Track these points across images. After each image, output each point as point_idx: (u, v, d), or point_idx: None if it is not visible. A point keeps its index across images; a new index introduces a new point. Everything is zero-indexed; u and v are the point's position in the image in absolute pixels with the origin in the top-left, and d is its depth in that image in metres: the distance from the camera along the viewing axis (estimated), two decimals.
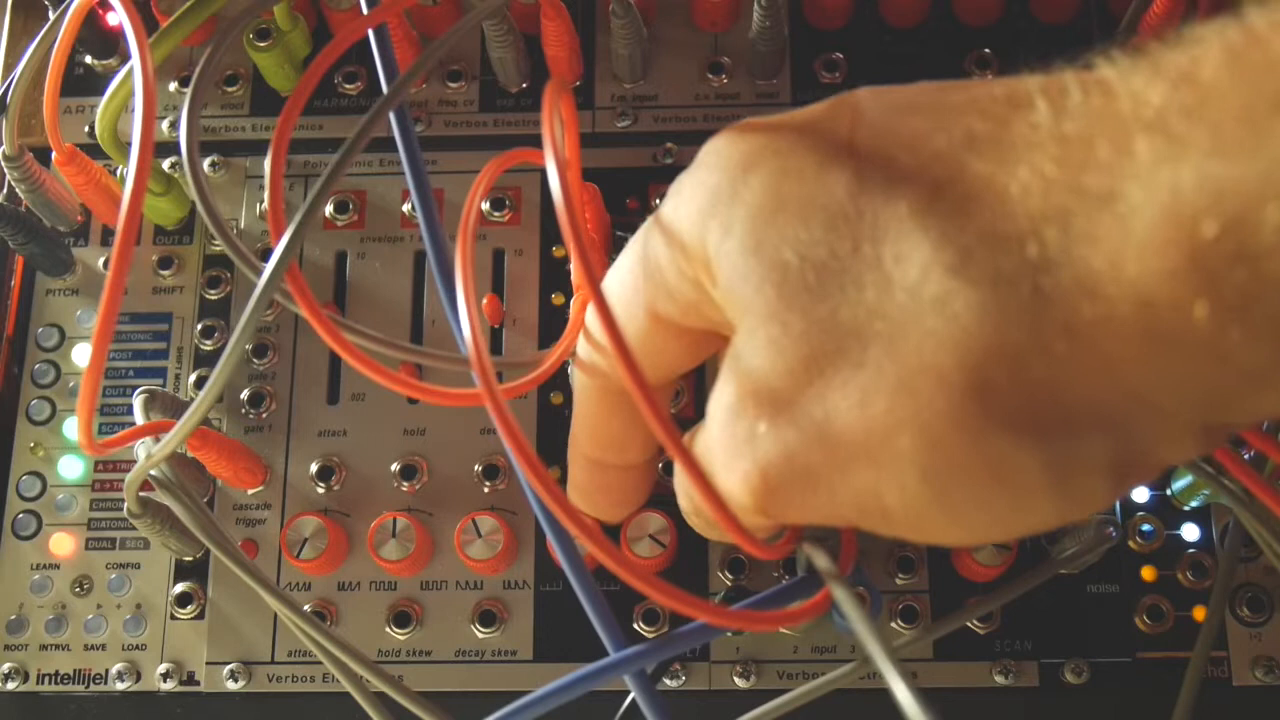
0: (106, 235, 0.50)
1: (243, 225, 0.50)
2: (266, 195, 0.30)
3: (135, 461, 0.37)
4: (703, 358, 0.33)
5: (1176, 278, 0.20)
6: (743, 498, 0.27)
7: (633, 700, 0.38)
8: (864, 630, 0.27)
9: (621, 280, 0.32)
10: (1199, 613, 0.44)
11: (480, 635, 0.45)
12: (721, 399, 0.27)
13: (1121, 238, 0.21)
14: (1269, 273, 0.19)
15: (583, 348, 0.34)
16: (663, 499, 0.44)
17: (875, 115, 0.26)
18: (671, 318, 0.30)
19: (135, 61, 0.30)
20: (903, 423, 0.23)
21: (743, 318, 0.26)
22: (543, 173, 0.48)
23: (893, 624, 0.43)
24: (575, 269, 0.27)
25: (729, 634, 0.44)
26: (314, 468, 0.46)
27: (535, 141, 0.51)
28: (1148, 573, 0.44)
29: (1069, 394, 0.22)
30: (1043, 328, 0.22)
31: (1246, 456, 0.41)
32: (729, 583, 0.44)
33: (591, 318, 0.33)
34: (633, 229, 0.48)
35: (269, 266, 0.29)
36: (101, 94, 0.41)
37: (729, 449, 0.27)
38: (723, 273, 0.27)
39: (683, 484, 0.32)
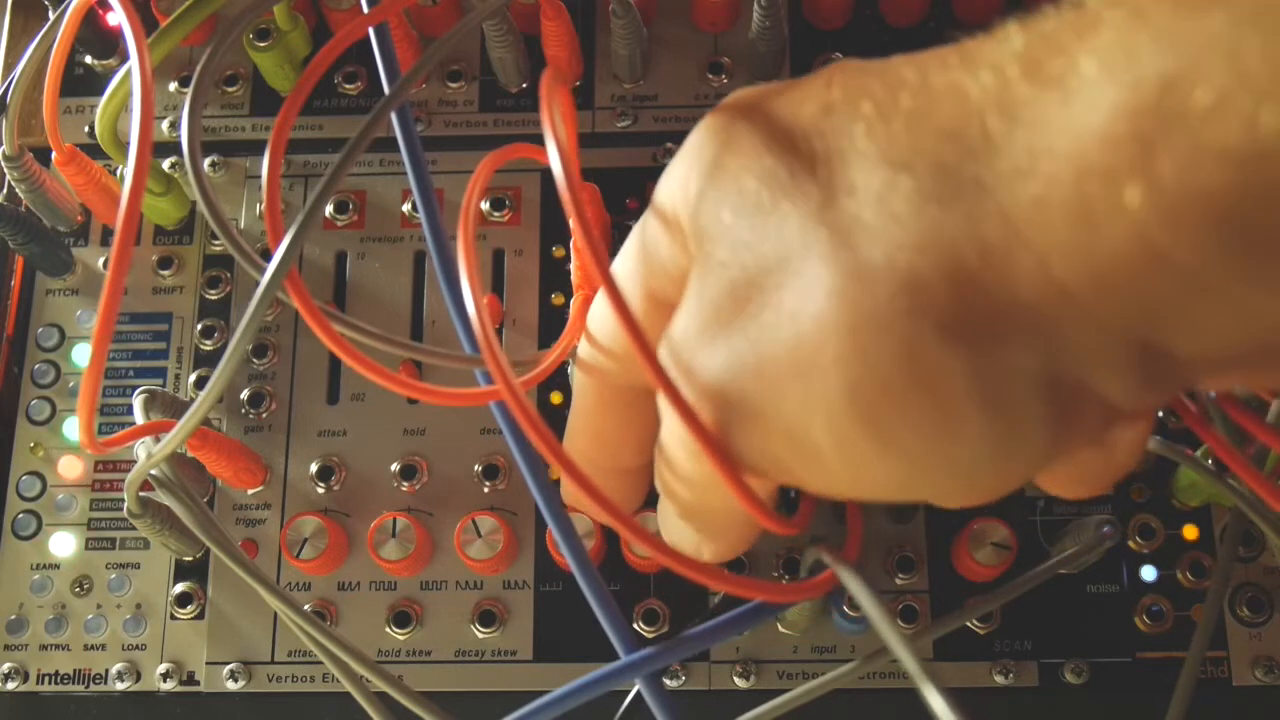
0: (106, 235, 0.50)
1: (243, 225, 0.50)
2: (263, 195, 0.30)
3: (135, 461, 0.37)
4: None
5: (1114, 142, 0.20)
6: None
7: (632, 700, 0.38)
8: (874, 612, 0.27)
9: (622, 264, 0.32)
10: (1199, 612, 0.44)
11: (480, 635, 0.45)
12: (673, 333, 0.28)
13: (1064, 110, 0.21)
14: (1206, 142, 0.19)
15: (584, 346, 0.34)
16: None
17: (855, 64, 0.26)
18: (668, 296, 0.30)
19: (134, 61, 0.30)
20: (828, 331, 0.23)
21: (702, 252, 0.27)
22: (543, 172, 0.49)
23: None
24: (577, 244, 0.27)
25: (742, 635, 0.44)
26: (314, 468, 0.46)
27: (535, 140, 0.51)
28: (1148, 573, 0.44)
29: (998, 292, 0.22)
30: (977, 216, 0.22)
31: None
32: None
33: (593, 313, 0.33)
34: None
35: (270, 268, 0.29)
36: (101, 94, 0.41)
37: (684, 376, 0.27)
38: (696, 221, 0.27)
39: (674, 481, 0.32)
